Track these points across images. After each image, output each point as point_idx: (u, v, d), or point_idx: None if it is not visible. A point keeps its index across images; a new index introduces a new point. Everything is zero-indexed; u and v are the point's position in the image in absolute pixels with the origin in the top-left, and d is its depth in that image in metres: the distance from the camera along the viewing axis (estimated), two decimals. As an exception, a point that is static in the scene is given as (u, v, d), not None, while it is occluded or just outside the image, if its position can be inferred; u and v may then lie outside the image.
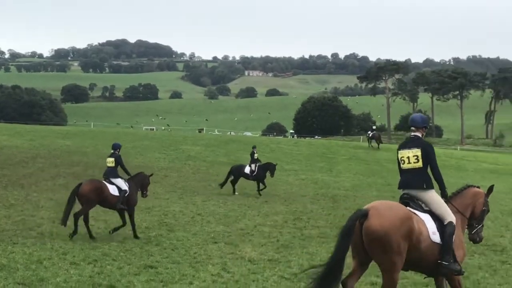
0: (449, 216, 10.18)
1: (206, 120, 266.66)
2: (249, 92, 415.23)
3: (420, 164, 10.21)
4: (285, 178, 41.21)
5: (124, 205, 19.63)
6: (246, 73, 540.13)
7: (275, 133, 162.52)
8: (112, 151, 20.43)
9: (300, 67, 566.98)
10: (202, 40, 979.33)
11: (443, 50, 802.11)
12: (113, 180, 19.74)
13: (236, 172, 34.33)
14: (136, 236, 19.19)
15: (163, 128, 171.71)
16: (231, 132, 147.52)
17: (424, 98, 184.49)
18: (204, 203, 28.39)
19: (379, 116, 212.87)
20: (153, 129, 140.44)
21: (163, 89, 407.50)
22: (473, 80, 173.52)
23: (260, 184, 33.88)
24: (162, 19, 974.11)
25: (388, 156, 63.17)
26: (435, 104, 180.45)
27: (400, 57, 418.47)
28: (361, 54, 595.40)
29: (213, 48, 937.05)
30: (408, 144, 10.44)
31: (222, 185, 33.56)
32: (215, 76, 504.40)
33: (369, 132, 73.33)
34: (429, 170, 10.70)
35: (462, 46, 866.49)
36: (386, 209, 9.60)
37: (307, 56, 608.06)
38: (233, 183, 33.98)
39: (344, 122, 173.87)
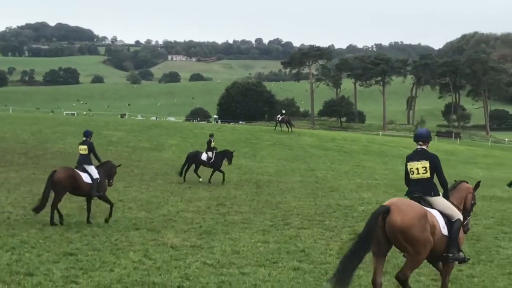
0: (457, 214, 11.44)
1: (129, 105, 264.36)
2: (173, 77, 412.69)
3: (428, 174, 11.28)
4: (209, 164, 41.00)
5: (97, 192, 19.78)
6: (169, 57, 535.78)
7: (198, 119, 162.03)
8: (84, 138, 20.49)
9: (224, 52, 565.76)
10: (124, 23, 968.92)
11: (366, 37, 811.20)
12: (87, 167, 19.82)
13: (193, 159, 33.90)
14: (88, 221, 19.54)
15: (84, 113, 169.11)
16: (161, 118, 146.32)
17: (347, 84, 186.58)
18: (126, 189, 28.02)
19: (302, 102, 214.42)
20: (74, 114, 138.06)
21: (84, 74, 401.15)
22: (395, 66, 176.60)
23: (216, 171, 33.50)
24: (83, 2, 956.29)
25: (311, 142, 63.68)
26: (358, 90, 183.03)
27: (323, 43, 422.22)
28: (285, 39, 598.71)
29: (136, 32, 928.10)
30: (416, 156, 11.42)
31: (180, 173, 33.26)
32: (138, 61, 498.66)
33: (279, 116, 74.14)
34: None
35: (384, 33, 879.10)
36: (405, 205, 10.61)
37: (231, 41, 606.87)
38: (186, 170, 33.51)
39: (268, 107, 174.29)
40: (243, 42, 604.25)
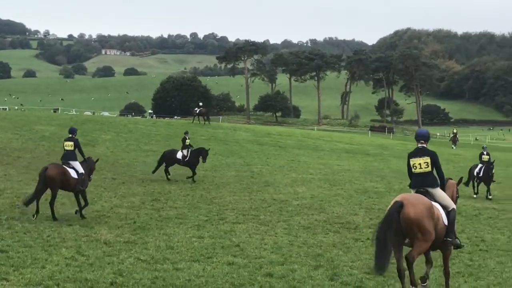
0: (452, 204, 12.89)
1: (62, 99, 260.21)
2: (107, 71, 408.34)
3: (429, 168, 12.74)
4: (143, 159, 40.70)
5: (82, 186, 20.54)
6: (103, 51, 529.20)
7: (133, 113, 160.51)
8: (70, 135, 21.15)
9: (158, 47, 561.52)
10: (57, 17, 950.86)
11: (301, 32, 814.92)
12: (72, 163, 20.57)
13: (169, 158, 33.18)
14: (80, 214, 20.44)
15: (16, 107, 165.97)
16: (95, 113, 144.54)
17: (283, 79, 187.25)
18: (59, 184, 27.56)
19: (238, 97, 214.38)
20: (5, 109, 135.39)
21: (16, 68, 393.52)
22: (330, 61, 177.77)
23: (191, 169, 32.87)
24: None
25: (247, 137, 63.74)
26: (293, 85, 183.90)
27: (258, 38, 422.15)
28: (220, 34, 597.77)
29: (69, 26, 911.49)
30: (418, 153, 12.88)
31: (153, 171, 32.52)
32: (71, 55, 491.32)
33: (196, 108, 73.99)
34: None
35: (319, 28, 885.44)
36: (415, 199, 12.13)
37: (166, 36, 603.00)
38: (166, 169, 32.84)
39: (204, 102, 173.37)
40: (178, 36, 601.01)
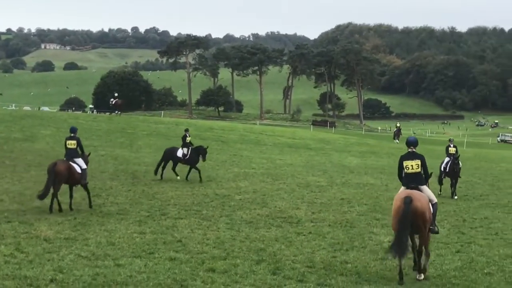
0: (435, 199, 15.24)
1: (1, 94, 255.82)
2: (46, 66, 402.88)
3: (419, 169, 15.05)
4: (84, 154, 40.15)
5: (85, 180, 22.30)
6: (42, 46, 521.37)
7: (73, 108, 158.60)
8: (72, 134, 22.52)
9: (99, 41, 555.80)
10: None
11: (243, 26, 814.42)
12: (76, 160, 22.10)
13: (169, 156, 32.39)
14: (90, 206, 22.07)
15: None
16: (35, 108, 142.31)
17: (225, 74, 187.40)
18: (-3, 181, 27.13)
19: (180, 91, 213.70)
20: None
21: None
22: (272, 56, 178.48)
23: (192, 169, 32.12)
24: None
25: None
26: (235, 79, 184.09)
27: (200, 32, 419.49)
28: (161, 28, 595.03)
29: (7, 19, 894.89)
30: (410, 156, 15.13)
31: (156, 171, 31.75)
32: (10, 49, 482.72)
33: (112, 99, 73.60)
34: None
35: (261, 22, 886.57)
36: (419, 195, 14.43)
37: (106, 30, 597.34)
38: (163, 167, 32.07)
39: (145, 97, 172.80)
40: (119, 30, 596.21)
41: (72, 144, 22.19)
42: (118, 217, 20.14)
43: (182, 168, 32.26)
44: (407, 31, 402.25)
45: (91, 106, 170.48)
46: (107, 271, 13.32)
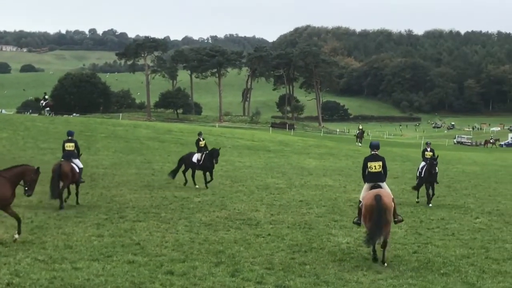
0: (391, 194, 16.92)
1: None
2: (2, 68, 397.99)
3: (381, 169, 17.10)
4: (41, 157, 39.81)
5: (81, 178, 24.54)
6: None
7: (31, 111, 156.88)
8: (69, 137, 24.42)
9: (56, 43, 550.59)
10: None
11: (202, 29, 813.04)
12: (74, 160, 24.14)
13: (186, 162, 31.08)
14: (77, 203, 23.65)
15: None
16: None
17: (184, 76, 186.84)
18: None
19: (138, 93, 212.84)
20: None
21: None
22: (231, 58, 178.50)
23: (207, 174, 30.84)
24: None
25: (148, 134, 63.29)
26: (194, 81, 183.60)
27: (159, 35, 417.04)
28: (119, 30, 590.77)
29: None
30: (374, 158, 17.16)
31: (173, 175, 30.78)
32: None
33: (42, 101, 73.04)
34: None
35: (220, 25, 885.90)
36: (385, 193, 16.44)
37: (64, 32, 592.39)
38: (184, 172, 30.97)
39: (103, 99, 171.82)
40: (77, 32, 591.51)
41: (70, 146, 24.20)
42: (76, 220, 19.98)
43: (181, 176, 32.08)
44: (364, 34, 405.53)
45: (48, 108, 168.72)
46: (65, 275, 13.22)
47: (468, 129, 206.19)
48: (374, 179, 17.14)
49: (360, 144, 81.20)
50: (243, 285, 13.32)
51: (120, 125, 70.19)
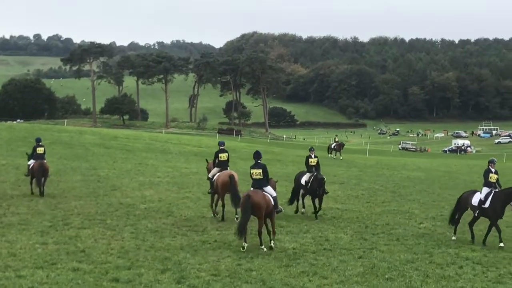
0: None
1: None
2: None
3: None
4: (-16, 164, 39.21)
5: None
6: None
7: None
8: (39, 143, 29.86)
9: (0, 48, 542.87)
10: None
11: (148, 34, 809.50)
12: (45, 162, 29.08)
13: (296, 181, 26.87)
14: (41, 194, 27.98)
15: None
16: None
17: (130, 82, 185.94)
18: None
19: (84, 99, 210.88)
20: None
21: None
22: (177, 64, 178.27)
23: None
24: None
25: (93, 140, 62.77)
26: (140, 87, 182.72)
27: (104, 40, 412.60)
28: (65, 35, 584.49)
29: None
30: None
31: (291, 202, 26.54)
32: None
33: None
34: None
35: (166, 31, 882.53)
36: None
37: (7, 37, 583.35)
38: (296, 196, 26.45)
39: (48, 105, 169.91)
40: (21, 37, 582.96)
41: (41, 150, 29.34)
42: (19, 228, 19.71)
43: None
44: (311, 41, 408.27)
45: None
46: (8, 283, 13.07)
47: (412, 135, 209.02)
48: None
49: (338, 157, 71.68)
50: (189, 291, 13.30)
51: (65, 131, 69.51)
